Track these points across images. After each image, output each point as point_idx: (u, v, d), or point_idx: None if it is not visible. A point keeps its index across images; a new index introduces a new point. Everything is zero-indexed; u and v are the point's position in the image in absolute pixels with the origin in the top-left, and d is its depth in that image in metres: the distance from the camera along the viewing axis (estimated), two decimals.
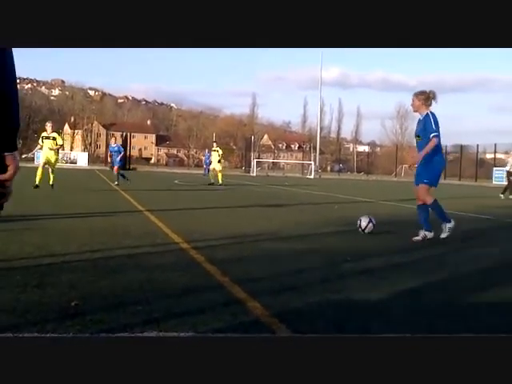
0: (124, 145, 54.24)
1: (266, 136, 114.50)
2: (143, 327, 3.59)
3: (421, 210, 8.47)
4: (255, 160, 60.23)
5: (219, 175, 26.48)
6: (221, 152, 27.67)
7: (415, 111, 8.59)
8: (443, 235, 8.28)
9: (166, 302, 4.26)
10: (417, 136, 8.60)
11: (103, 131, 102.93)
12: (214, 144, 29.01)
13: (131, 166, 52.96)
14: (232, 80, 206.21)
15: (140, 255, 6.13)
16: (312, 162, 60.86)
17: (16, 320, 3.59)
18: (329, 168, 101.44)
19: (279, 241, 7.84)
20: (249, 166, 60.37)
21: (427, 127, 8.31)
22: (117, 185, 19.82)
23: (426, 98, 8.42)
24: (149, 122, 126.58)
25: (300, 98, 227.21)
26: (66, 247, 6.33)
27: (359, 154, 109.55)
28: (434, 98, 8.51)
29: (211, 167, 27.74)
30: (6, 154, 1.70)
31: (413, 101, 8.52)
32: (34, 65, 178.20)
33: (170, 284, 4.83)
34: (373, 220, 8.79)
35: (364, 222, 8.79)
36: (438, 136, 8.19)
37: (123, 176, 21.24)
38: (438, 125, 8.31)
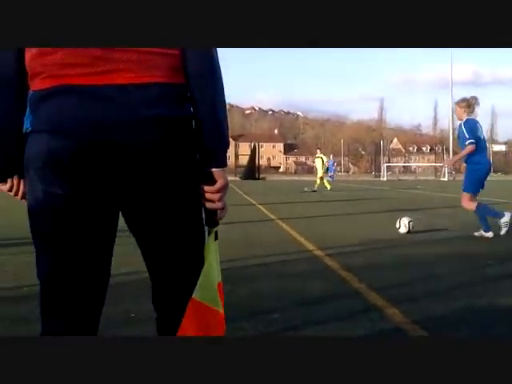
0: (253, 155, 55.26)
1: (395, 140, 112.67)
2: (280, 334, 3.61)
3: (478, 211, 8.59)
4: (385, 164, 59.35)
5: (317, 181, 26.86)
6: (325, 159, 28.08)
7: (459, 120, 8.66)
8: (502, 232, 8.38)
9: (304, 309, 4.25)
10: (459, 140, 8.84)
11: (232, 143, 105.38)
12: (318, 151, 29.11)
13: (260, 176, 53.69)
14: (358, 86, 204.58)
15: (274, 264, 6.17)
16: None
17: None
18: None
19: (414, 246, 7.65)
20: (378, 170, 59.60)
21: (461, 136, 8.43)
22: None
23: (467, 105, 8.52)
24: (276, 132, 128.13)
25: (430, 99, 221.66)
26: None
27: (495, 153, 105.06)
28: (476, 103, 8.59)
29: (318, 175, 27.86)
30: (214, 169, 1.81)
31: (456, 110, 8.68)
32: None
33: (305, 292, 4.82)
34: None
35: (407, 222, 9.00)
36: (473, 143, 8.23)
37: None
38: (474, 131, 8.34)
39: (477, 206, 8.39)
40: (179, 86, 1.73)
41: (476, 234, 8.49)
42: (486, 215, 8.47)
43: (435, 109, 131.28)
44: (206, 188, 1.81)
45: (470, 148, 8.24)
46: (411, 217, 9.20)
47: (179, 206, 1.79)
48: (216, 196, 1.82)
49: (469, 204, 8.47)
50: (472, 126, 8.35)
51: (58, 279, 1.76)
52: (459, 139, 8.60)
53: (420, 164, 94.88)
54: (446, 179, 51.13)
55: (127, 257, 4.22)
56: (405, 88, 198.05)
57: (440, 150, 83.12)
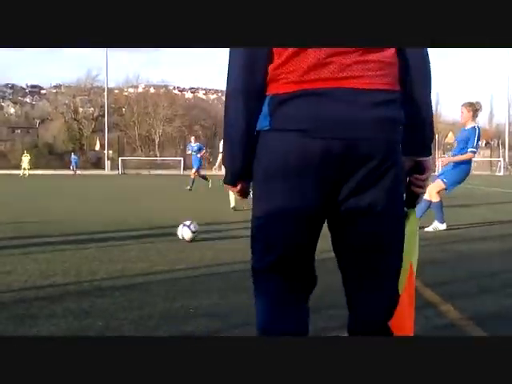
0: None
1: (450, 134, 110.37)
2: (339, 331, 3.66)
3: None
4: (440, 159, 58.30)
5: None
6: None
7: (464, 122, 8.86)
8: (427, 228, 8.64)
9: None
10: (455, 141, 9.19)
11: None
12: None
13: None
14: None
15: (329, 260, 6.19)
16: (501, 159, 57.76)
17: (218, 324, 3.80)
18: None
19: (470, 242, 7.60)
20: (433, 165, 58.52)
21: (469, 141, 8.63)
22: (189, 189, 19.78)
23: (474, 109, 8.75)
24: None
25: (486, 94, 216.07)
26: None
27: None
28: (480, 109, 8.85)
29: None
30: (426, 158, 2.07)
31: (462, 112, 8.83)
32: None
33: None
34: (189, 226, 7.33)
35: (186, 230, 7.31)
36: (475, 152, 8.65)
37: (204, 178, 20.50)
38: (479, 140, 8.70)
39: (438, 201, 8.72)
40: (399, 92, 1.93)
41: (430, 228, 8.71)
42: (440, 210, 8.76)
43: (491, 103, 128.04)
44: (417, 176, 2.07)
45: (470, 155, 8.65)
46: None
47: (396, 190, 1.94)
48: (424, 182, 2.09)
49: (435, 193, 8.72)
50: (479, 136, 8.67)
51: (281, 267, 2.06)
52: (463, 141, 8.76)
53: (475, 159, 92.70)
54: (501, 174, 50.01)
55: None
56: (460, 82, 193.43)
57: (496, 145, 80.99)
